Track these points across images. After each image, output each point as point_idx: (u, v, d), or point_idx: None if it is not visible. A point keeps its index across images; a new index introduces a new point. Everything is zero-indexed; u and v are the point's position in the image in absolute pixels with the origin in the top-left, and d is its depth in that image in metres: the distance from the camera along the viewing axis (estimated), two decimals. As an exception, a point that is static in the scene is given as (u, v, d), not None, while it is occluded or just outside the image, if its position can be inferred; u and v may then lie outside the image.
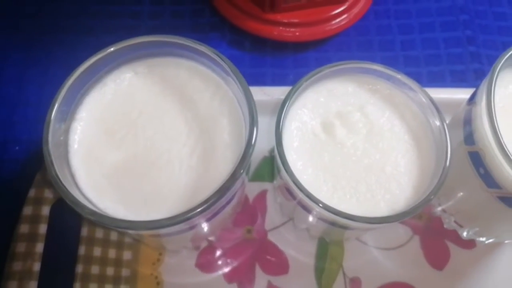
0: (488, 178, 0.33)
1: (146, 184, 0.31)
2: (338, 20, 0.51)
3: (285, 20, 0.49)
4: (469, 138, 0.34)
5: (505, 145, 0.30)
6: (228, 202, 0.31)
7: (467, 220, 0.40)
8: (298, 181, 0.31)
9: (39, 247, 0.37)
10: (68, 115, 0.32)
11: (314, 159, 0.34)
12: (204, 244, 0.42)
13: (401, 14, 0.54)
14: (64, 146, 0.31)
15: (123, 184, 0.31)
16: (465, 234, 0.42)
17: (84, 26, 0.51)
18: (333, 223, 0.33)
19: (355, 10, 0.51)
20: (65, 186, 0.27)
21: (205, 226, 0.33)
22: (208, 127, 0.32)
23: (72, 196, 0.27)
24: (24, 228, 0.38)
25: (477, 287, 0.42)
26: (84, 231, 0.40)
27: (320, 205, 0.30)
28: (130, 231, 0.30)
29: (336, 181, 0.33)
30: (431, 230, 0.44)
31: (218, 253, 0.42)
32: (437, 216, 0.44)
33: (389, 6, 0.55)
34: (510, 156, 0.30)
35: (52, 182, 0.27)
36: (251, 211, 0.44)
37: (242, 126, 0.32)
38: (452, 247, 0.43)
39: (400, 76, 0.35)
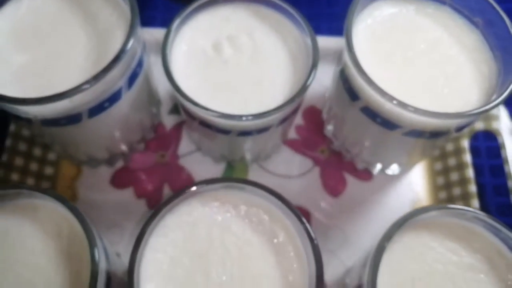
0: (351, 91, 0.37)
1: (45, 82, 0.35)
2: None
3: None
4: (340, 57, 0.38)
5: (356, 57, 0.34)
6: (108, 101, 0.35)
7: (352, 144, 0.44)
8: (178, 87, 0.35)
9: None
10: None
11: (200, 72, 0.38)
12: (119, 164, 0.46)
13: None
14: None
15: (25, 82, 0.35)
16: (358, 163, 0.46)
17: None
18: (221, 130, 0.37)
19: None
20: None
21: (101, 126, 0.37)
22: (105, 37, 0.37)
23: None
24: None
25: (365, 212, 0.45)
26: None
27: (199, 106, 0.34)
28: (20, 107, 0.34)
29: (217, 90, 0.37)
30: (331, 163, 0.48)
31: (131, 172, 0.46)
32: (337, 151, 0.47)
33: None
34: (361, 67, 0.34)
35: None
36: (166, 139, 0.48)
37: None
38: (350, 179, 0.47)
39: (285, 6, 0.39)
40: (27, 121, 0.35)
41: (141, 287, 0.30)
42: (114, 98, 0.35)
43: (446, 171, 0.46)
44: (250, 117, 0.34)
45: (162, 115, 0.49)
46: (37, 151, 0.46)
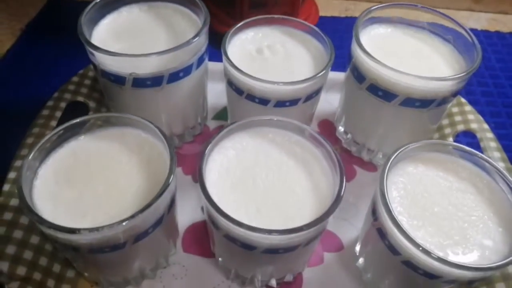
0: (359, 76, 0.50)
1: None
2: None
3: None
4: (350, 55, 0.52)
5: (364, 47, 0.48)
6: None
7: (359, 133, 0.55)
8: (234, 65, 0.48)
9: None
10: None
11: (248, 66, 0.51)
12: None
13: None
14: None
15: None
16: (364, 155, 0.56)
17: None
18: (262, 101, 0.49)
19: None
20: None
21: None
22: (180, 38, 0.51)
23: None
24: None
25: (372, 193, 0.54)
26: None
27: (249, 78, 0.47)
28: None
29: (260, 74, 0.50)
30: (342, 157, 0.57)
31: (181, 156, 0.57)
32: (347, 149, 0.59)
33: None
34: (368, 52, 0.47)
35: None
36: (209, 135, 0.59)
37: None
38: (358, 170, 0.57)
39: (309, 25, 0.54)
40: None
41: (206, 184, 0.39)
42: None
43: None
44: (281, 84, 0.47)
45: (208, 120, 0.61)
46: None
